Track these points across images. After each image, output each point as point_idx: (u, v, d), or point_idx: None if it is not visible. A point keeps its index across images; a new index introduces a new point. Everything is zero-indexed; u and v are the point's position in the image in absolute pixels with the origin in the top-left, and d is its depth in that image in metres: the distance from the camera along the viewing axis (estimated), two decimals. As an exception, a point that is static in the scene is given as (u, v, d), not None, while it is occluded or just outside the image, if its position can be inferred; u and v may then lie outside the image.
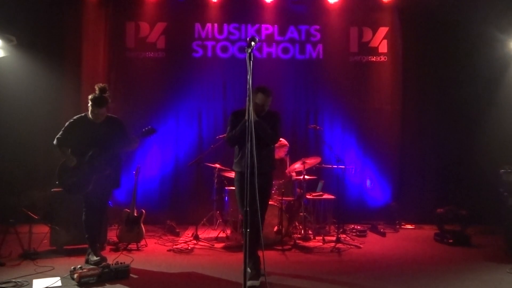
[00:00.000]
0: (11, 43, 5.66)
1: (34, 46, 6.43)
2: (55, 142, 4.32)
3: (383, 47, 7.20)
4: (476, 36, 6.63)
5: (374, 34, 7.20)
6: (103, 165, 4.29)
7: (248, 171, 2.87)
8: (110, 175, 4.40)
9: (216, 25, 7.13)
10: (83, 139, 4.31)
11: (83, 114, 4.43)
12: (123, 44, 7.05)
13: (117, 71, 7.06)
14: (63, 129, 4.37)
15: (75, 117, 4.43)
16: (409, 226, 6.71)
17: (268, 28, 7.17)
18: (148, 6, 7.00)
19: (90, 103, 4.27)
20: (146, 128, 4.39)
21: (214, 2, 6.88)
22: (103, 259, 4.31)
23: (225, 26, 7.13)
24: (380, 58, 7.21)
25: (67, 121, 4.40)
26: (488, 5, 6.45)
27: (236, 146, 4.13)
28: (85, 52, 6.90)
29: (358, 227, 6.28)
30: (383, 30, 7.19)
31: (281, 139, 6.05)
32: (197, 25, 7.12)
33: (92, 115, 4.32)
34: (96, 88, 4.32)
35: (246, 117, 3.08)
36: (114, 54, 7.07)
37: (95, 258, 4.33)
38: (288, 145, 5.82)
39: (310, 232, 5.84)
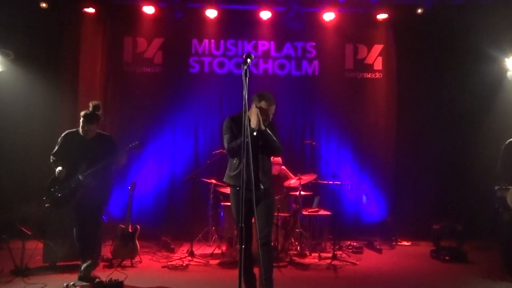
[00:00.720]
0: (8, 58, 5.69)
1: (32, 60, 6.47)
2: (51, 159, 4.39)
3: (378, 64, 7.28)
4: (470, 53, 6.73)
5: (369, 51, 7.29)
6: (89, 179, 4.29)
7: (245, 185, 2.81)
8: (97, 190, 4.36)
9: (213, 41, 7.20)
10: (73, 154, 4.36)
11: (74, 130, 4.49)
12: (120, 58, 7.09)
13: (114, 85, 7.09)
14: (57, 145, 4.43)
15: (67, 132, 4.49)
16: (405, 243, 6.69)
17: (264, 45, 7.24)
18: (146, 22, 7.06)
19: (81, 119, 4.34)
20: (133, 144, 4.44)
21: (211, 19, 6.96)
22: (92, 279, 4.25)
23: (222, 42, 7.20)
24: (375, 75, 7.28)
25: (59, 136, 4.46)
26: (482, 23, 6.56)
27: (236, 158, 3.74)
28: (83, 66, 6.93)
29: (354, 243, 6.25)
30: (377, 48, 7.28)
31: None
32: (194, 41, 7.19)
33: (82, 131, 4.38)
34: (90, 105, 4.40)
35: (244, 131, 2.96)
36: (111, 68, 7.10)
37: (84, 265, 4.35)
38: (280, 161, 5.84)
39: (306, 248, 5.80)
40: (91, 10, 6.73)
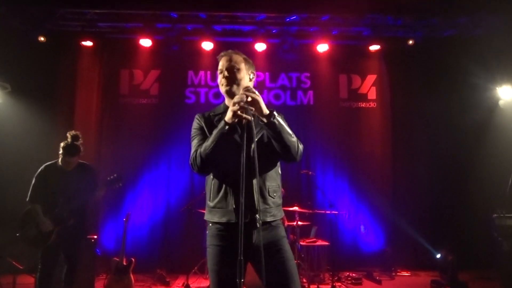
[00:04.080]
0: (5, 90, 5.71)
1: (29, 92, 6.50)
2: (28, 199, 4.14)
3: (372, 94, 7.39)
4: (462, 82, 6.86)
5: (362, 81, 7.41)
6: (67, 215, 4.08)
7: (242, 218, 1.99)
8: (74, 226, 4.15)
9: (209, 72, 7.30)
10: (51, 188, 4.12)
11: (53, 162, 4.27)
12: (116, 90, 7.15)
13: (110, 116, 7.11)
14: (32, 183, 4.18)
15: (44, 165, 4.26)
16: (405, 273, 6.57)
17: (259, 75, 7.35)
18: (142, 54, 7.16)
19: (61, 151, 4.15)
20: (113, 176, 4.26)
21: (207, 51, 7.08)
22: None
23: (218, 73, 7.27)
24: (370, 104, 7.38)
25: (35, 172, 4.21)
26: (472, 54, 6.71)
27: (211, 174, 2.48)
28: (79, 98, 6.98)
29: (353, 274, 6.14)
30: (371, 78, 7.41)
31: None
32: (190, 73, 7.29)
33: (62, 163, 4.18)
34: (68, 135, 4.20)
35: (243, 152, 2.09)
36: (108, 100, 7.14)
37: None
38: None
39: (304, 280, 5.68)
40: (88, 43, 6.82)
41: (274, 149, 2.34)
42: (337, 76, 7.42)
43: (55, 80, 6.94)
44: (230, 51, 2.55)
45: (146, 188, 6.89)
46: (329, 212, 5.84)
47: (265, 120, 2.25)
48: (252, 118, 2.15)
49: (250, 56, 7.83)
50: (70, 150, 4.15)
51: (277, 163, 2.49)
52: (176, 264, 6.43)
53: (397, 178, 7.23)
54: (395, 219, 7.00)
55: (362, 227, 7.05)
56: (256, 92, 2.25)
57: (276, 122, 2.24)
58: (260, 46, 6.99)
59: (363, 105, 7.38)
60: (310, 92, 7.37)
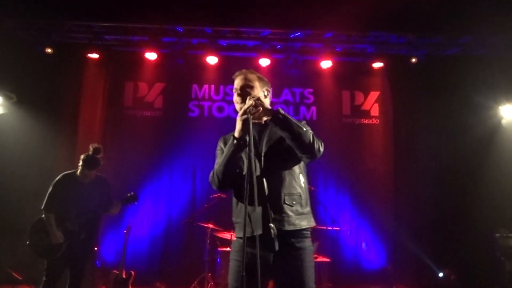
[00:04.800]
0: (11, 101, 5.75)
1: (33, 103, 6.54)
2: (43, 207, 4.13)
3: (375, 110, 7.42)
4: (464, 101, 6.86)
5: (365, 97, 7.45)
6: (78, 229, 4.06)
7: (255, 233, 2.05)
8: (85, 241, 4.13)
9: (213, 86, 7.35)
10: (66, 198, 4.10)
11: (71, 171, 4.26)
12: (121, 102, 7.20)
13: (113, 128, 7.14)
14: (49, 191, 4.17)
15: (62, 174, 4.25)
16: (406, 291, 6.51)
17: (263, 90, 7.38)
18: (147, 67, 7.22)
19: (81, 163, 4.15)
20: (130, 194, 4.30)
21: (212, 65, 7.14)
22: None
23: (222, 87, 7.35)
24: (372, 121, 7.40)
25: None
26: (475, 72, 6.76)
27: (234, 195, 2.53)
28: (83, 109, 7.01)
29: (354, 292, 6.08)
30: (374, 94, 7.45)
31: None
32: (194, 86, 7.34)
33: (80, 174, 4.19)
34: (91, 148, 4.22)
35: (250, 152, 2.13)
36: (112, 112, 7.18)
37: None
38: None
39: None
40: (94, 55, 6.90)
41: (288, 152, 2.39)
42: (340, 92, 7.45)
43: (60, 91, 6.98)
44: (244, 70, 2.68)
45: (148, 200, 6.88)
46: (330, 228, 5.81)
47: (270, 117, 2.33)
48: (263, 122, 2.32)
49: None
50: (90, 162, 4.16)
51: (292, 166, 2.48)
52: (176, 278, 6.38)
53: (399, 195, 7.19)
54: (396, 236, 6.96)
55: (363, 244, 6.99)
56: (259, 96, 2.40)
57: (280, 115, 2.32)
58: (264, 62, 7.05)
59: (366, 121, 7.40)
60: (313, 108, 7.40)
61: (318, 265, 5.95)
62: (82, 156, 4.20)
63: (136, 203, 4.38)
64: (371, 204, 7.09)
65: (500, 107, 6.77)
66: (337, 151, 7.26)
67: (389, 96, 7.42)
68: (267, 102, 2.55)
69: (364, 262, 6.96)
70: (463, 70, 6.89)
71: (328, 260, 5.93)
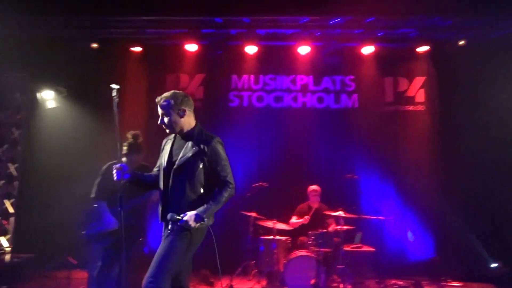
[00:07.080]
0: (62, 95, 6.00)
1: (81, 96, 6.81)
2: (92, 195, 4.24)
3: (420, 97, 7.17)
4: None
5: (410, 83, 7.22)
6: (128, 214, 4.08)
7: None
8: (135, 226, 4.21)
9: (252, 76, 7.36)
10: (114, 186, 3.98)
11: (116, 161, 4.18)
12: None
13: (156, 120, 7.26)
14: (98, 181, 4.29)
15: (108, 163, 4.33)
16: (456, 284, 6.26)
17: (303, 79, 7.32)
18: (188, 59, 7.32)
19: (125, 150, 4.22)
20: None
21: (251, 55, 7.14)
22: None
23: (261, 77, 7.35)
24: (417, 107, 7.16)
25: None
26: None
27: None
28: (127, 102, 7.17)
29: (400, 282, 5.94)
30: (419, 80, 7.20)
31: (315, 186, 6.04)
32: (234, 76, 7.38)
33: (126, 162, 4.21)
34: (129, 135, 4.29)
35: None
36: (154, 104, 7.31)
37: None
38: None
39: (349, 286, 5.55)
40: (137, 49, 7.08)
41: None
42: (382, 79, 7.26)
43: (105, 84, 7.17)
44: (157, 99, 3.22)
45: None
46: (374, 217, 5.69)
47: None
48: None
49: (293, 59, 7.67)
50: (135, 148, 4.26)
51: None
52: (220, 265, 6.46)
53: (446, 184, 6.91)
54: (445, 227, 6.71)
55: (410, 234, 6.80)
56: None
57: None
58: (304, 49, 6.97)
59: (411, 108, 7.17)
60: (355, 95, 7.25)
61: (362, 254, 5.87)
62: (124, 144, 4.27)
63: None
64: (417, 193, 6.88)
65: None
66: (380, 139, 7.10)
67: (435, 82, 7.15)
68: (183, 121, 3.23)
69: (410, 252, 6.79)
70: (510, 53, 6.48)
71: (372, 249, 5.82)
